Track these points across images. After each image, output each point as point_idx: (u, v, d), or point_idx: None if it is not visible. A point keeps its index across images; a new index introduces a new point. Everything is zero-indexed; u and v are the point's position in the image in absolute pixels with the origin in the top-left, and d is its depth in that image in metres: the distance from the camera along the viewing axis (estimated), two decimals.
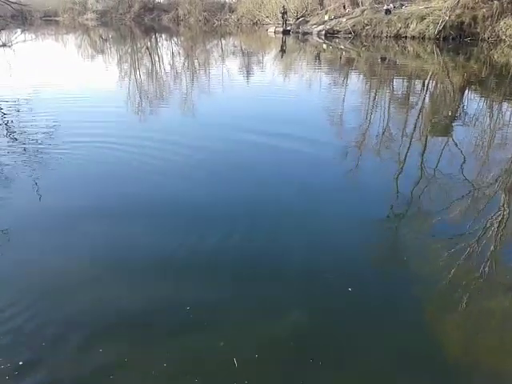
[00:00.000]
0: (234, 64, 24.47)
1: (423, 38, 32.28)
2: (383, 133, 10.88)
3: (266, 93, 15.92)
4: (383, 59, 25.17)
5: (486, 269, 5.02)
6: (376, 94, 16.35)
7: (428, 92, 16.77)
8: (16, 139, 9.45)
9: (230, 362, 3.57)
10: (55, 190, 7.06)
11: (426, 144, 10.00)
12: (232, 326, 4.04)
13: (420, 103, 14.57)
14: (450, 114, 12.95)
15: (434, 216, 6.31)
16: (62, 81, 17.70)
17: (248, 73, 21.58)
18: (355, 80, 19.67)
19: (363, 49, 30.74)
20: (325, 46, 33.20)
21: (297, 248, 5.38)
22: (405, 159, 8.83)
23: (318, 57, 27.78)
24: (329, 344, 3.86)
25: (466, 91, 16.61)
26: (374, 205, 6.71)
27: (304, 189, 7.13)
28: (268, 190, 7.12)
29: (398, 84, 18.54)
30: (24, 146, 8.94)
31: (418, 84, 18.52)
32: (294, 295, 4.52)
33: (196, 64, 25.22)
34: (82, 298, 4.40)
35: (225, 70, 21.92)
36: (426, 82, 18.75)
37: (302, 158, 8.63)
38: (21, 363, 3.59)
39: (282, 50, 32.26)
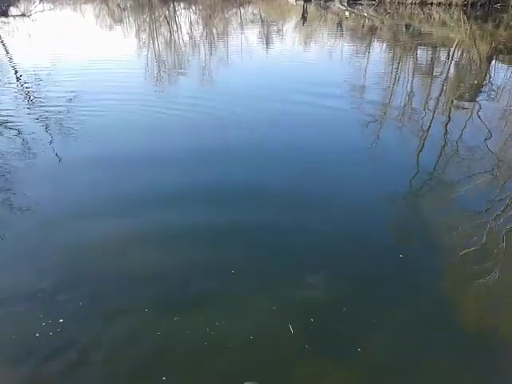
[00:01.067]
0: (253, 33, 24.02)
1: (450, 5, 31.00)
2: (405, 104, 10.68)
3: (285, 63, 15.67)
4: (407, 27, 24.35)
5: (506, 243, 5.00)
6: (399, 64, 15.93)
7: (453, 62, 16.25)
8: (38, 105, 9.59)
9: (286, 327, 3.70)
10: (86, 145, 7.43)
11: (449, 116, 9.80)
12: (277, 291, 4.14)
13: (444, 73, 14.16)
14: (475, 85, 12.58)
15: (457, 189, 6.26)
16: (81, 50, 17.71)
17: (267, 42, 21.20)
18: (378, 49, 19.14)
19: (387, 16, 29.72)
20: (347, 13, 32.20)
21: (318, 219, 5.43)
22: (427, 131, 8.71)
23: (339, 25, 27.03)
24: (357, 306, 3.96)
25: (494, 61, 16.02)
26: (396, 176, 6.69)
27: (323, 159, 7.14)
28: (284, 156, 7.23)
29: (422, 53, 17.98)
30: (47, 110, 9.08)
31: (442, 53, 17.93)
32: (318, 262, 4.59)
33: (215, 33, 24.84)
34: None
35: (244, 39, 21.57)
36: (452, 51, 18.14)
37: (322, 128, 8.58)
38: (61, 320, 3.78)
39: (303, 18, 31.44)
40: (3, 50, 17.48)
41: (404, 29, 24.05)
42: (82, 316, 3.86)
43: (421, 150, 7.76)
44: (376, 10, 32.15)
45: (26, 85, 11.61)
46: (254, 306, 3.94)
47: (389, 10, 31.89)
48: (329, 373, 3.33)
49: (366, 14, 30.50)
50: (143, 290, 4.16)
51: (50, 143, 7.67)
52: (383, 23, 26.92)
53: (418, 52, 18.08)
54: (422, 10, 31.10)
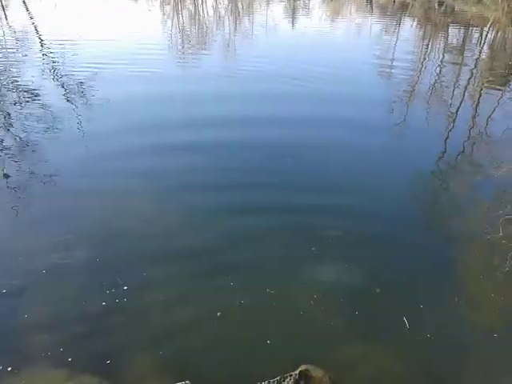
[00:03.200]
0: (279, 8, 23.37)
1: None
2: (434, 84, 10.25)
3: (312, 39, 15.19)
4: (440, 4, 23.27)
5: None
6: (429, 43, 15.27)
7: (486, 42, 15.46)
8: (62, 75, 9.53)
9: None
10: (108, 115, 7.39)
11: (479, 98, 9.33)
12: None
13: (476, 54, 13.47)
14: (509, 66, 11.91)
15: (483, 173, 6.00)
16: (106, 22, 17.56)
17: (294, 18, 20.61)
18: (408, 27, 18.39)
19: None
20: None
21: (345, 196, 5.28)
22: (456, 113, 8.34)
23: (369, 2, 26.04)
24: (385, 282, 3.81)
25: None
26: (422, 157, 6.47)
27: (351, 138, 6.91)
28: (314, 131, 7.11)
29: (454, 32, 17.19)
30: (71, 80, 9.01)
31: (476, 33, 17.08)
32: (343, 241, 4.46)
33: (240, 8, 24.28)
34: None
35: (269, 14, 20.99)
36: (486, 30, 17.25)
37: (349, 106, 8.31)
38: (103, 282, 3.76)
39: None
40: (29, 19, 17.49)
41: (436, 6, 23.00)
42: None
43: (449, 131, 7.47)
44: None
45: (50, 55, 11.56)
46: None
47: None
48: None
49: None
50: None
51: (76, 114, 7.56)
52: (415, 0, 25.81)
53: (450, 31, 17.29)
54: None
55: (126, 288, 3.68)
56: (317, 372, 2.94)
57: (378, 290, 3.86)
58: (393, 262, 4.28)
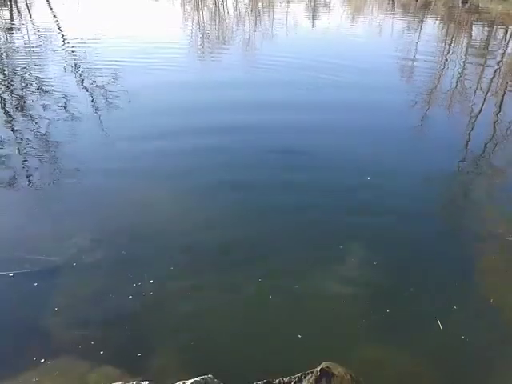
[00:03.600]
0: (300, 6, 23.32)
1: None
2: (457, 83, 10.13)
3: (333, 37, 15.15)
4: (464, 2, 22.88)
5: None
6: (452, 42, 15.06)
7: (511, 41, 15.16)
8: (83, 72, 9.73)
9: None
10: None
11: (502, 99, 9.19)
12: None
13: (500, 53, 13.24)
14: None
15: (504, 174, 5.94)
16: (127, 20, 17.80)
17: (314, 16, 20.54)
18: (430, 25, 18.15)
19: None
20: None
21: (363, 192, 5.33)
22: (478, 113, 8.24)
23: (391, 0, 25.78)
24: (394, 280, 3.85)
25: None
26: (442, 157, 6.40)
27: (370, 135, 6.91)
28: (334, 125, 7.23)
29: (478, 31, 16.91)
30: (92, 77, 9.21)
31: (500, 31, 16.77)
32: (359, 235, 4.50)
33: (261, 6, 24.30)
34: None
35: (290, 12, 20.97)
36: (511, 29, 16.92)
37: (369, 105, 8.30)
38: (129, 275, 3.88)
39: None
40: (52, 17, 17.86)
41: (460, 4, 22.62)
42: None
43: (471, 131, 7.40)
44: None
45: (72, 52, 11.81)
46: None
47: None
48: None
49: None
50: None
51: (95, 110, 7.73)
52: None
53: (474, 29, 17.01)
54: None
55: (152, 282, 3.80)
56: (338, 370, 2.99)
57: (411, 290, 3.87)
58: (420, 262, 4.29)
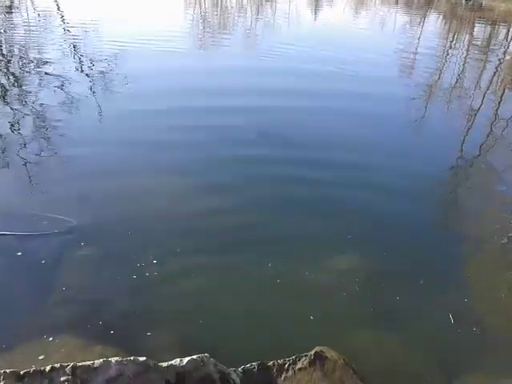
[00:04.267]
0: None
1: None
2: (457, 80, 10.15)
3: (334, 29, 15.10)
4: (468, 0, 22.84)
5: None
6: (454, 39, 15.05)
7: None
8: (83, 59, 9.66)
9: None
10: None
11: (501, 98, 9.23)
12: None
13: (501, 52, 13.26)
14: None
15: (500, 175, 5.96)
16: (128, 6, 17.64)
17: (317, 8, 20.45)
18: (433, 21, 18.13)
19: None
20: None
21: (360, 193, 5.34)
22: (476, 112, 8.26)
23: None
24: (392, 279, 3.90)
25: None
26: (439, 155, 6.42)
27: (367, 133, 6.92)
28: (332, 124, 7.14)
29: (480, 29, 16.89)
30: (92, 63, 9.15)
31: (503, 30, 16.76)
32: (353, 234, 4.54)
33: None
34: None
35: (292, 5, 20.85)
36: None
37: (368, 100, 8.30)
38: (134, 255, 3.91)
39: None
40: (55, 5, 17.65)
41: (463, 1, 22.57)
42: None
43: (469, 129, 7.42)
44: None
45: (74, 39, 11.71)
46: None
47: None
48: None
49: None
50: None
51: (94, 96, 7.70)
52: None
53: (476, 27, 16.99)
54: None
55: (155, 262, 3.82)
56: (332, 354, 3.04)
57: (421, 281, 3.93)
58: (416, 255, 4.35)
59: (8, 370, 1.94)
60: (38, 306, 3.36)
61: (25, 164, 5.31)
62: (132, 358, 2.18)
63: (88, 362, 2.08)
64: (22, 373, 1.96)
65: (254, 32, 14.12)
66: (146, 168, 5.35)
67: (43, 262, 3.81)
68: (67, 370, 2.03)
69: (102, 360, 2.12)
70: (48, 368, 2.01)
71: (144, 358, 2.20)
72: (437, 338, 3.47)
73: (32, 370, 1.99)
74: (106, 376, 2.07)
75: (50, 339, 3.03)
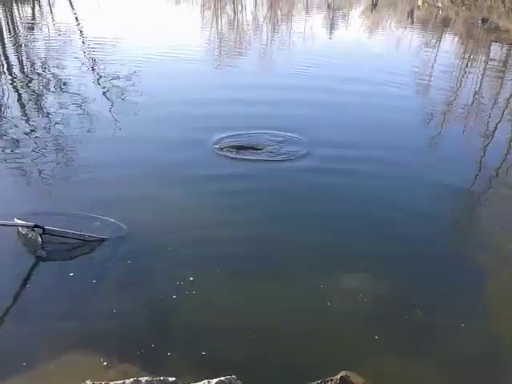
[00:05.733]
0: (318, 18, 23.44)
1: None
2: (473, 101, 10.13)
3: (349, 49, 15.22)
4: (484, 21, 22.88)
5: None
6: (469, 60, 15.06)
7: None
8: (100, 72, 9.87)
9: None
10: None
11: None
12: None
13: None
14: None
15: None
16: (146, 23, 17.99)
17: (332, 28, 20.65)
18: (449, 43, 18.17)
19: (463, 8, 28.05)
20: (420, 2, 30.68)
21: (374, 206, 5.40)
22: (494, 131, 8.22)
23: (410, 14, 25.85)
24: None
25: None
26: (456, 174, 6.38)
27: (384, 148, 6.93)
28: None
29: (496, 51, 16.87)
30: (109, 78, 9.33)
31: None
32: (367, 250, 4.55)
33: (279, 16, 24.48)
34: None
35: (308, 25, 21.08)
36: None
37: (383, 119, 8.32)
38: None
39: (373, 5, 30.30)
40: (74, 19, 18.12)
41: (480, 23, 22.62)
42: None
43: (485, 149, 7.38)
44: (452, 1, 30.40)
45: (91, 51, 11.98)
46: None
47: (466, 1, 30.04)
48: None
49: (440, 5, 28.97)
50: None
51: (110, 108, 7.85)
52: (458, 15, 25.48)
53: (492, 48, 16.98)
54: (503, 2, 29.02)
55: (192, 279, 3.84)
56: (357, 379, 3.00)
57: (446, 303, 3.86)
58: (434, 275, 4.31)
59: None
60: (64, 318, 3.38)
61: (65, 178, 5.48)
62: (162, 378, 2.18)
63: (119, 382, 2.08)
64: None
65: (269, 51, 14.33)
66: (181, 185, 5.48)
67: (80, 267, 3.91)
68: None
69: (132, 379, 2.12)
70: None
71: (174, 379, 2.19)
72: (464, 361, 3.40)
73: None
74: None
75: (73, 355, 3.04)
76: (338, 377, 2.95)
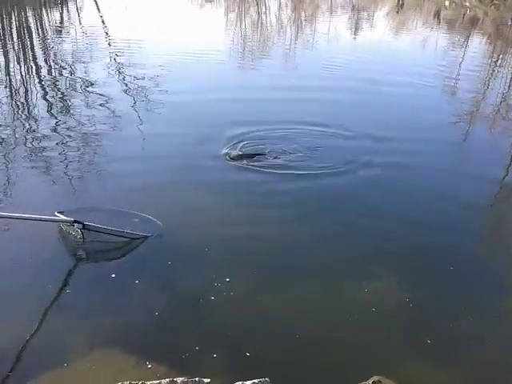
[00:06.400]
0: (342, 18, 23.26)
1: None
2: (501, 103, 9.90)
3: (373, 52, 15.04)
4: None
5: None
6: (498, 61, 14.70)
7: None
8: (126, 75, 10.01)
9: None
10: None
11: None
12: None
13: None
14: None
15: None
16: (170, 26, 18.18)
17: (357, 29, 20.47)
18: (477, 43, 17.78)
19: (492, 7, 27.38)
20: (447, 2, 30.12)
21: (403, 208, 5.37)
22: None
23: (437, 15, 25.39)
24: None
25: None
26: (482, 179, 6.24)
27: (408, 151, 6.85)
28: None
29: None
30: (134, 81, 9.45)
31: None
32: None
33: (303, 17, 24.41)
34: None
35: (332, 25, 20.94)
36: None
37: (411, 120, 8.23)
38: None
39: (398, 5, 29.89)
40: (100, 21, 18.45)
41: (510, 22, 22.07)
42: None
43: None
44: (480, 0, 29.74)
45: (117, 54, 12.17)
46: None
47: (495, 1, 29.33)
48: None
49: (467, 4, 28.37)
50: None
51: (135, 111, 7.95)
52: (486, 15, 24.91)
53: None
54: None
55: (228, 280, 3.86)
56: (389, 383, 2.96)
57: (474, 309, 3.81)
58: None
59: None
60: (103, 317, 3.43)
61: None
62: (197, 379, 2.19)
63: (155, 382, 2.09)
64: None
65: (293, 53, 14.38)
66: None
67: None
68: None
69: (168, 380, 2.13)
70: None
71: (208, 380, 2.20)
72: (496, 368, 3.32)
73: None
74: None
75: (109, 355, 3.08)
76: (371, 382, 2.92)
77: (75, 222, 4.06)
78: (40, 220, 4.00)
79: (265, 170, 5.91)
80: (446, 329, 3.63)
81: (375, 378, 2.97)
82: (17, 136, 6.66)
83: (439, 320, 3.71)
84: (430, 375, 3.25)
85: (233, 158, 6.10)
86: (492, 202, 5.92)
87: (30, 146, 6.36)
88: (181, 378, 2.14)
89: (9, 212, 4.09)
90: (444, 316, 3.76)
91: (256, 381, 2.31)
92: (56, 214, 4.25)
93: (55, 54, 12.00)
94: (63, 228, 4.32)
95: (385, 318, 3.68)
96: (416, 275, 4.24)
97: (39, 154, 6.09)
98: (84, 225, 4.09)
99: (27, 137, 6.64)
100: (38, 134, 6.70)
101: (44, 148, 6.28)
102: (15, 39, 13.65)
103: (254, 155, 6.22)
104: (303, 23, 21.95)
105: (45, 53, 12.10)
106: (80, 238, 4.16)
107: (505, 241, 5.10)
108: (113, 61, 11.52)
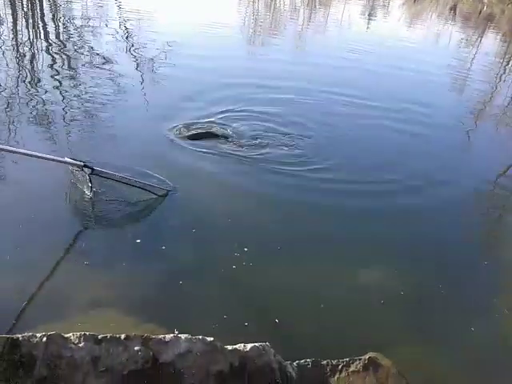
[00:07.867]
0: (356, 5, 22.96)
1: None
2: (510, 102, 9.85)
3: (386, 41, 14.87)
4: None
5: None
6: (511, 60, 14.58)
7: None
8: (134, 50, 9.90)
9: None
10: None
11: None
12: None
13: None
14: None
15: None
16: (184, 5, 17.94)
17: (370, 18, 20.21)
18: (491, 40, 17.58)
19: (509, 6, 27.02)
20: None
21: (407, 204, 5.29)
22: None
23: (453, 9, 25.06)
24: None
25: None
26: (486, 176, 6.21)
27: (417, 145, 6.82)
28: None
29: None
30: (143, 56, 9.35)
31: None
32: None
33: (317, 3, 24.06)
34: None
35: (346, 13, 20.66)
36: None
37: (419, 118, 8.15)
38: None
39: None
40: None
41: None
42: None
43: None
44: None
45: (126, 25, 12.02)
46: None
47: None
48: None
49: (485, 0, 27.98)
50: None
51: (143, 84, 7.87)
52: (503, 12, 24.58)
53: None
54: None
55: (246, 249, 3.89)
56: (385, 361, 2.99)
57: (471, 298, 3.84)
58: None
59: (87, 333, 2.01)
60: (122, 277, 3.45)
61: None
62: (201, 337, 2.22)
63: (159, 336, 2.13)
64: (99, 337, 2.02)
65: (304, 38, 14.21)
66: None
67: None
68: (140, 340, 2.08)
69: (172, 335, 2.17)
70: (123, 336, 2.07)
71: (212, 339, 2.23)
72: (492, 349, 3.38)
73: (109, 335, 2.04)
74: (176, 351, 2.11)
75: (108, 313, 3.11)
76: (367, 357, 2.95)
77: (85, 166, 3.83)
78: (50, 160, 3.79)
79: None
80: (446, 312, 3.67)
81: (371, 354, 3.01)
82: (21, 98, 6.56)
83: (434, 307, 3.73)
84: (423, 356, 3.29)
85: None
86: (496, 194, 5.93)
87: (35, 107, 6.29)
88: (184, 335, 2.18)
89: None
90: (440, 304, 3.77)
91: (257, 344, 2.35)
92: (66, 158, 3.95)
93: (64, 22, 11.80)
94: (74, 171, 4.07)
95: (386, 300, 3.70)
96: (416, 262, 4.25)
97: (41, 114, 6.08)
98: (93, 169, 3.86)
99: (33, 99, 6.55)
100: (40, 97, 6.61)
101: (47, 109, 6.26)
102: (24, 2, 13.43)
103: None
104: (317, 8, 21.67)
105: (53, 20, 11.92)
106: (88, 183, 3.95)
107: (503, 233, 5.14)
108: (122, 30, 11.40)
